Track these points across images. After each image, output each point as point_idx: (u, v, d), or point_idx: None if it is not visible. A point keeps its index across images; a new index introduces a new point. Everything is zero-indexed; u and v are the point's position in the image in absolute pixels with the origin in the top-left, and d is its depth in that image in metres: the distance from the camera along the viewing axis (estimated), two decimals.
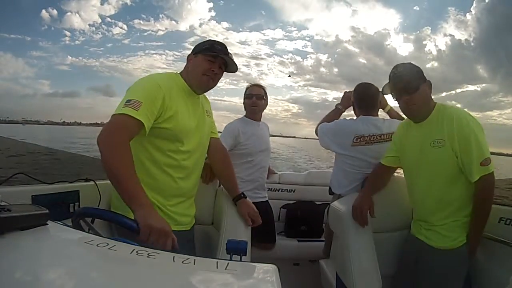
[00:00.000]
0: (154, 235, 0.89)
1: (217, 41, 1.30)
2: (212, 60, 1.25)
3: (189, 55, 1.31)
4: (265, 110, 2.16)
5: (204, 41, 1.31)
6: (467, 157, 1.23)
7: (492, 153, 1.29)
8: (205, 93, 1.38)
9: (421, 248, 1.37)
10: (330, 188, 2.02)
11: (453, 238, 1.31)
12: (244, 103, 2.12)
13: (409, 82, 1.31)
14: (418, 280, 1.37)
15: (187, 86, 1.27)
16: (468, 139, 1.22)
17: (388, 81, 1.41)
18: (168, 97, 1.15)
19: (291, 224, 2.52)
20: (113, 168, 0.96)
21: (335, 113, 2.01)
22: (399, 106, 1.41)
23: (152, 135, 1.15)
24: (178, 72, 1.31)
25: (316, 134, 1.96)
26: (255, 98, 2.07)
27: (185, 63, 1.31)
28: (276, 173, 2.70)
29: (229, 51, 1.29)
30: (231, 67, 1.31)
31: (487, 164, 1.22)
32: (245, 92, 2.13)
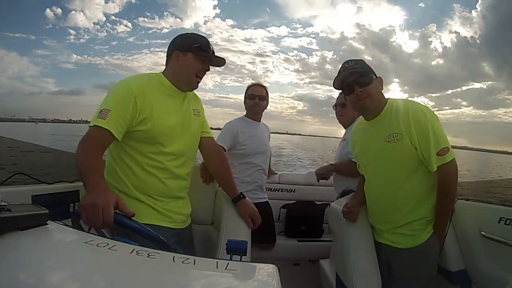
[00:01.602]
0: (85, 212, 0.83)
1: (203, 37, 1.26)
2: (203, 59, 1.24)
3: (174, 51, 1.24)
4: (270, 108, 2.17)
5: (189, 36, 1.26)
6: (425, 148, 1.23)
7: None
8: (196, 92, 1.37)
9: (390, 252, 1.36)
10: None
11: (419, 235, 1.31)
12: (245, 102, 2.11)
13: (362, 75, 1.31)
14: (392, 280, 1.36)
15: (170, 85, 1.24)
16: (426, 130, 1.22)
17: (338, 75, 1.36)
18: (141, 99, 1.13)
19: (291, 224, 2.52)
20: (79, 170, 1.02)
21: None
22: (350, 101, 1.38)
23: (130, 138, 1.16)
24: (161, 72, 1.27)
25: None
26: (258, 99, 2.05)
27: (169, 58, 1.26)
28: (276, 173, 2.70)
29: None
30: (217, 63, 1.30)
31: (444, 154, 1.22)
32: (246, 91, 2.12)
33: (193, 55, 1.22)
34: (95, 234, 0.81)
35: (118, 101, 1.11)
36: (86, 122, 1.14)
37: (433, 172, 1.26)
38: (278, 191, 2.63)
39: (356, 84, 1.30)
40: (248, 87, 2.12)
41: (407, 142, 1.24)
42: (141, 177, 1.18)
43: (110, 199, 0.87)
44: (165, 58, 1.31)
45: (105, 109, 1.08)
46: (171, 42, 1.29)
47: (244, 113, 2.16)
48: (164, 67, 1.30)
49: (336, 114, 1.97)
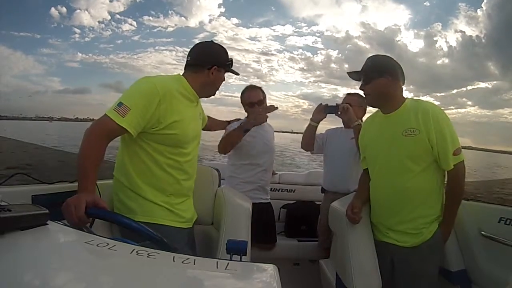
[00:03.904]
0: (63, 213, 0.88)
1: (227, 51, 1.34)
2: (226, 72, 1.35)
3: (212, 65, 1.26)
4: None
5: (224, 52, 1.32)
6: (442, 147, 1.29)
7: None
8: None
9: (394, 251, 1.38)
10: (322, 188, 2.14)
11: (422, 233, 1.34)
12: (245, 108, 2.04)
13: (365, 74, 1.39)
14: (396, 280, 1.38)
15: (192, 90, 1.26)
16: (443, 131, 1.28)
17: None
18: (168, 101, 1.14)
19: (291, 224, 2.52)
20: (81, 158, 1.04)
21: (312, 131, 2.03)
22: None
23: (154, 140, 1.16)
24: (181, 74, 1.29)
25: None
26: (257, 105, 1.97)
27: (201, 68, 1.27)
28: (276, 173, 2.70)
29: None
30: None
31: (458, 153, 1.30)
32: (243, 97, 2.03)
33: (224, 70, 1.32)
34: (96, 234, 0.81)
35: (141, 100, 1.10)
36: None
37: (442, 172, 1.33)
38: (278, 191, 2.63)
39: (362, 82, 1.40)
40: (243, 93, 2.04)
41: (424, 138, 1.29)
42: (160, 176, 1.20)
43: (83, 197, 0.89)
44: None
45: (125, 105, 1.07)
46: (204, 53, 1.30)
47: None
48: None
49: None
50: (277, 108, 1.91)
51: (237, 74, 1.40)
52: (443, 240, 1.37)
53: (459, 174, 1.33)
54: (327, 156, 2.14)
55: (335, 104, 1.94)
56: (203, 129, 1.55)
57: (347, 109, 1.86)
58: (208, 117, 1.67)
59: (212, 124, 1.82)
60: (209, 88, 1.32)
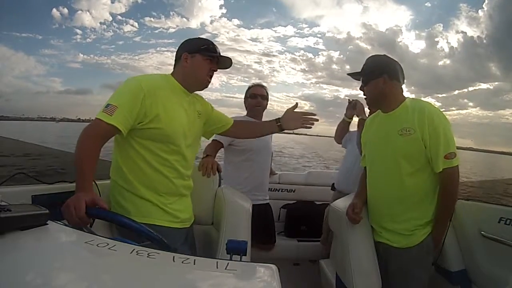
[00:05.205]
0: (63, 213, 0.88)
1: (209, 40, 1.33)
2: (210, 59, 1.29)
3: (182, 53, 1.28)
4: (276, 107, 2.18)
5: (196, 40, 1.33)
6: (434, 148, 1.27)
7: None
8: (203, 91, 1.39)
9: (388, 251, 1.38)
10: (333, 184, 2.19)
11: (414, 235, 1.33)
12: (246, 102, 2.11)
13: (365, 75, 1.42)
14: (389, 280, 1.37)
15: (179, 85, 1.28)
16: (438, 132, 1.26)
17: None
18: (151, 97, 1.14)
19: (291, 224, 2.53)
20: (76, 160, 1.05)
21: (344, 125, 2.20)
22: None
23: (142, 136, 1.17)
24: (170, 74, 1.31)
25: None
26: (260, 98, 2.06)
27: (177, 61, 1.30)
28: (276, 173, 2.70)
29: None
30: (223, 65, 1.36)
31: (451, 157, 1.26)
32: (247, 91, 2.12)
33: (201, 56, 1.27)
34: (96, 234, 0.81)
35: (127, 97, 1.12)
36: None
37: (437, 174, 1.30)
38: (278, 191, 2.64)
39: (362, 83, 1.43)
40: (249, 88, 2.13)
41: (418, 138, 1.27)
42: (150, 175, 1.20)
43: (83, 197, 0.89)
44: (172, 58, 1.35)
45: (112, 104, 1.09)
46: (179, 46, 1.33)
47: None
48: (170, 67, 1.34)
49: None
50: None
51: (216, 54, 1.30)
52: (435, 244, 1.34)
53: (451, 179, 1.30)
54: (345, 154, 2.25)
55: (350, 100, 2.11)
56: (228, 135, 1.55)
57: (355, 103, 2.00)
58: (237, 121, 1.54)
59: (243, 129, 1.57)
60: (191, 78, 1.28)
